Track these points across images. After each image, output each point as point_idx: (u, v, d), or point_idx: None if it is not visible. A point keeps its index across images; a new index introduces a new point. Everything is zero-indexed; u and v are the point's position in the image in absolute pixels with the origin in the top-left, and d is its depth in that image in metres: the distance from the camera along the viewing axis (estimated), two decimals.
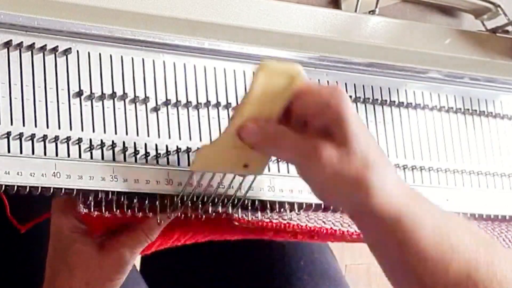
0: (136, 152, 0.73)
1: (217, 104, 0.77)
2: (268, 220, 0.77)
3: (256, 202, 0.77)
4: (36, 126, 0.69)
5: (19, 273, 0.89)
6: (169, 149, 0.74)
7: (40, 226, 0.83)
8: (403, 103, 0.86)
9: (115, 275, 0.76)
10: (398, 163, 0.83)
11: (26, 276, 0.89)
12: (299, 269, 0.98)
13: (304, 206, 0.79)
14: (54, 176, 0.68)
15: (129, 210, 0.72)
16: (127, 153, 0.72)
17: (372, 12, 0.89)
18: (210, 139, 0.76)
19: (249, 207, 0.77)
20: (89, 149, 0.71)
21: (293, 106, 0.69)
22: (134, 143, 0.73)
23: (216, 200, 0.74)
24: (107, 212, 0.71)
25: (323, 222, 0.80)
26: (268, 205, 0.77)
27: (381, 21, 0.87)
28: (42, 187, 0.68)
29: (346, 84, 0.83)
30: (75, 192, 0.69)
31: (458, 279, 0.67)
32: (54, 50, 0.71)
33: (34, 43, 0.71)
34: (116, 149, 0.72)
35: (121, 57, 0.74)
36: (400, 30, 0.87)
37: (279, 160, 0.77)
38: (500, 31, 0.93)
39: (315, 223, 0.80)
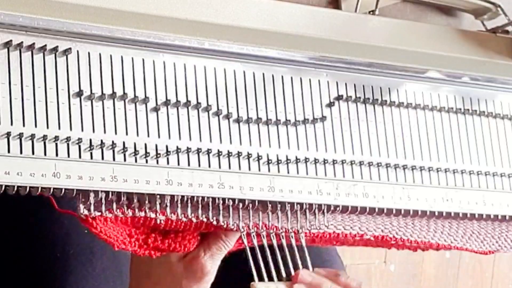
0: (136, 152, 0.73)
1: (217, 104, 0.77)
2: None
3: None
4: (36, 126, 0.69)
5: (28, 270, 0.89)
6: (169, 149, 0.74)
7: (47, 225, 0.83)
8: (403, 103, 0.86)
9: (198, 284, 0.77)
10: (398, 163, 0.83)
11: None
12: None
13: (304, 206, 0.79)
14: (54, 176, 0.68)
15: (129, 210, 0.72)
16: (127, 153, 0.72)
17: (372, 12, 0.89)
18: (210, 139, 0.76)
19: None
20: (89, 149, 0.71)
21: None
22: (134, 143, 0.73)
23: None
24: (107, 212, 0.71)
25: (326, 226, 0.81)
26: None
27: (381, 21, 0.87)
28: (42, 187, 0.68)
29: (346, 84, 0.83)
30: (75, 192, 0.69)
31: None
32: (54, 50, 0.71)
33: (34, 43, 0.71)
34: (116, 149, 0.72)
35: (121, 57, 0.74)
36: (400, 30, 0.87)
37: None
38: (500, 31, 0.93)
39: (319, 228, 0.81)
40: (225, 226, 0.76)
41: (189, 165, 0.74)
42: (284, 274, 0.79)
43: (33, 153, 0.68)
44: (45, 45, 0.71)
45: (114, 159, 0.71)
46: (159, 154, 0.73)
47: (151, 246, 0.77)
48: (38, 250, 0.88)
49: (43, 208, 0.80)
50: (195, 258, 0.77)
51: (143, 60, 0.75)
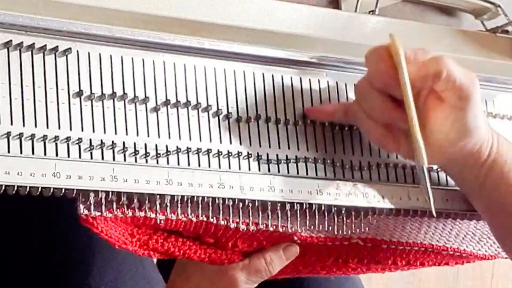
0: (136, 152, 0.73)
1: (217, 104, 0.77)
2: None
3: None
4: (36, 126, 0.69)
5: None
6: (169, 149, 0.74)
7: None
8: None
9: None
10: (398, 163, 0.83)
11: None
12: None
13: (304, 206, 0.78)
14: (54, 176, 0.68)
15: (129, 210, 0.72)
16: (127, 153, 0.72)
17: (372, 12, 0.89)
18: (210, 139, 0.76)
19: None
20: (89, 149, 0.71)
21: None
22: (134, 143, 0.73)
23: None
24: (107, 212, 0.71)
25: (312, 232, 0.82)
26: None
27: (381, 21, 0.87)
28: (42, 187, 0.68)
29: (346, 84, 0.83)
30: (75, 192, 0.69)
31: None
32: (54, 50, 0.71)
33: (34, 43, 0.71)
34: (116, 149, 0.72)
35: (121, 57, 0.74)
36: (400, 30, 0.87)
37: None
38: (500, 31, 0.93)
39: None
40: (225, 225, 0.76)
41: (189, 165, 0.74)
42: None
43: (33, 153, 0.68)
44: (45, 45, 0.71)
45: (114, 159, 0.71)
46: (159, 154, 0.73)
47: (151, 247, 0.77)
48: (65, 234, 0.88)
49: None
50: (232, 269, 0.78)
51: (143, 60, 0.75)
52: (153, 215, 0.73)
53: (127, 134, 0.73)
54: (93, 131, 0.71)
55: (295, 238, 0.81)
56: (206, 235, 0.78)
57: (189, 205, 0.74)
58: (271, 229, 0.78)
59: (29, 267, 0.89)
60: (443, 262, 0.92)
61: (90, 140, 0.71)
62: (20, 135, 0.68)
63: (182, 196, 0.73)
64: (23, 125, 0.69)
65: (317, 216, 0.79)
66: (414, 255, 0.88)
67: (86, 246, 0.89)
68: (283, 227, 0.79)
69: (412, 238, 0.86)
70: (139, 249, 0.76)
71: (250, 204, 0.76)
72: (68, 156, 0.70)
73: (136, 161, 0.72)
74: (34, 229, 0.90)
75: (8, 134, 0.68)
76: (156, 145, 0.73)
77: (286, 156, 0.78)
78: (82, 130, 0.71)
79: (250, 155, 0.77)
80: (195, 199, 0.74)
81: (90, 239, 0.89)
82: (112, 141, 0.72)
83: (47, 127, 0.70)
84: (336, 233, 0.81)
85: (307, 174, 0.79)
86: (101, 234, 0.72)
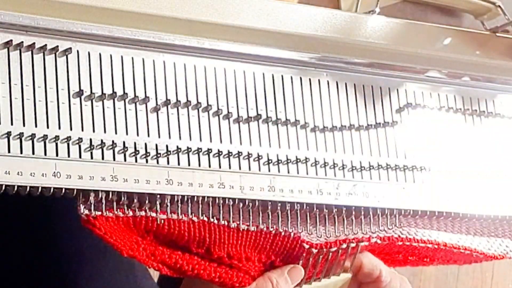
0: (136, 152, 0.73)
1: (217, 104, 0.77)
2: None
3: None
4: (36, 126, 0.69)
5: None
6: (169, 149, 0.74)
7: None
8: (403, 103, 0.86)
9: None
10: (398, 164, 0.83)
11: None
12: None
13: (304, 206, 0.79)
14: (54, 176, 0.69)
15: (129, 210, 0.72)
16: (127, 153, 0.72)
17: (372, 12, 0.89)
18: (210, 139, 0.76)
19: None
20: (89, 149, 0.71)
21: None
22: (134, 143, 0.73)
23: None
24: (108, 212, 0.71)
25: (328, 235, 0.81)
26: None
27: (381, 21, 0.87)
28: (42, 187, 0.68)
29: (346, 84, 0.83)
30: (75, 192, 0.69)
31: None
32: (54, 50, 0.71)
33: (34, 43, 0.71)
34: (116, 149, 0.72)
35: (121, 57, 0.74)
36: (400, 30, 0.87)
37: None
38: (500, 31, 0.93)
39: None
40: (226, 225, 0.76)
41: (189, 165, 0.74)
42: None
43: (33, 153, 0.68)
44: (45, 45, 0.71)
45: (114, 159, 0.71)
46: (160, 154, 0.73)
47: (159, 259, 0.76)
48: (54, 243, 0.88)
49: (59, 202, 0.81)
50: None
51: (143, 60, 0.75)
52: (153, 215, 0.73)
53: (127, 134, 0.73)
54: (93, 131, 0.71)
55: (307, 246, 0.81)
56: (214, 245, 0.78)
57: (190, 205, 0.74)
58: (271, 229, 0.78)
59: (14, 275, 0.88)
60: (452, 260, 0.92)
61: (90, 140, 0.71)
62: (20, 135, 0.68)
63: (183, 196, 0.73)
64: (23, 125, 0.69)
65: (317, 217, 0.80)
66: (425, 251, 0.88)
67: (74, 255, 0.89)
68: (283, 228, 0.79)
69: (427, 235, 0.86)
70: (147, 259, 0.76)
71: (251, 204, 0.76)
72: (68, 156, 0.70)
73: (136, 161, 0.72)
74: (21, 236, 0.89)
75: (8, 134, 0.68)
76: (156, 145, 0.73)
77: (286, 156, 0.79)
78: (82, 130, 0.71)
79: (250, 155, 0.77)
80: (196, 199, 0.74)
81: (79, 248, 0.89)
82: (112, 141, 0.72)
83: (47, 127, 0.70)
84: (338, 234, 0.81)
85: (307, 174, 0.79)
86: (105, 236, 0.72)
